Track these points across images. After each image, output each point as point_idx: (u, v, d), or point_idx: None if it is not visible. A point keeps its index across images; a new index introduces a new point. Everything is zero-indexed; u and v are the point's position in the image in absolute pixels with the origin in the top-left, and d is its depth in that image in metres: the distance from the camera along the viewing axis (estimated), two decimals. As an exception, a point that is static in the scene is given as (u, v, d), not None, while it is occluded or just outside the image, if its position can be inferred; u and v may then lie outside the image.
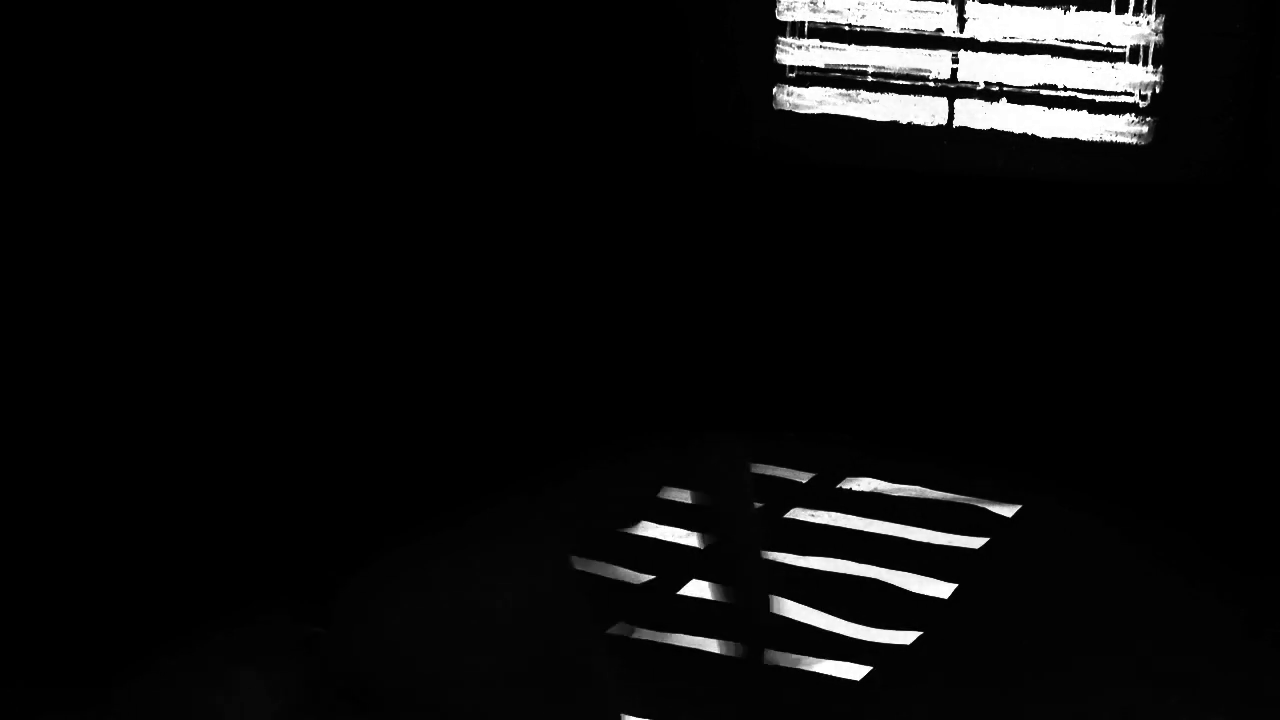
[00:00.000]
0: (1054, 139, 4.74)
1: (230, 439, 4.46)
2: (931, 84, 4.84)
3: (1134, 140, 4.66)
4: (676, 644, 3.65)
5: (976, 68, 4.79)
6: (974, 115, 4.81)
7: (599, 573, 3.99)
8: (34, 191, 4.17)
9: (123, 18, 4.27)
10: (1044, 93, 4.74)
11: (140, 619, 3.56)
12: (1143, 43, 4.61)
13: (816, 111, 4.96)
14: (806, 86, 4.96)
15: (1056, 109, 4.72)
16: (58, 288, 4.24)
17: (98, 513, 4.05)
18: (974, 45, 4.78)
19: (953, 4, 4.79)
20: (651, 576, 3.99)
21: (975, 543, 4.21)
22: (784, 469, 4.67)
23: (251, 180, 4.66)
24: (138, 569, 3.80)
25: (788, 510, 4.40)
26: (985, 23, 4.76)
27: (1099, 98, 4.68)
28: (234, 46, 4.57)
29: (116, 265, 4.37)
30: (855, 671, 3.54)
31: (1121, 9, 4.62)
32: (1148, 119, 4.64)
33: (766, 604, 3.16)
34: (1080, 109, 4.70)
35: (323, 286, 4.87)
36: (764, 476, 4.62)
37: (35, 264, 4.19)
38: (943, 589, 3.95)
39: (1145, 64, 4.62)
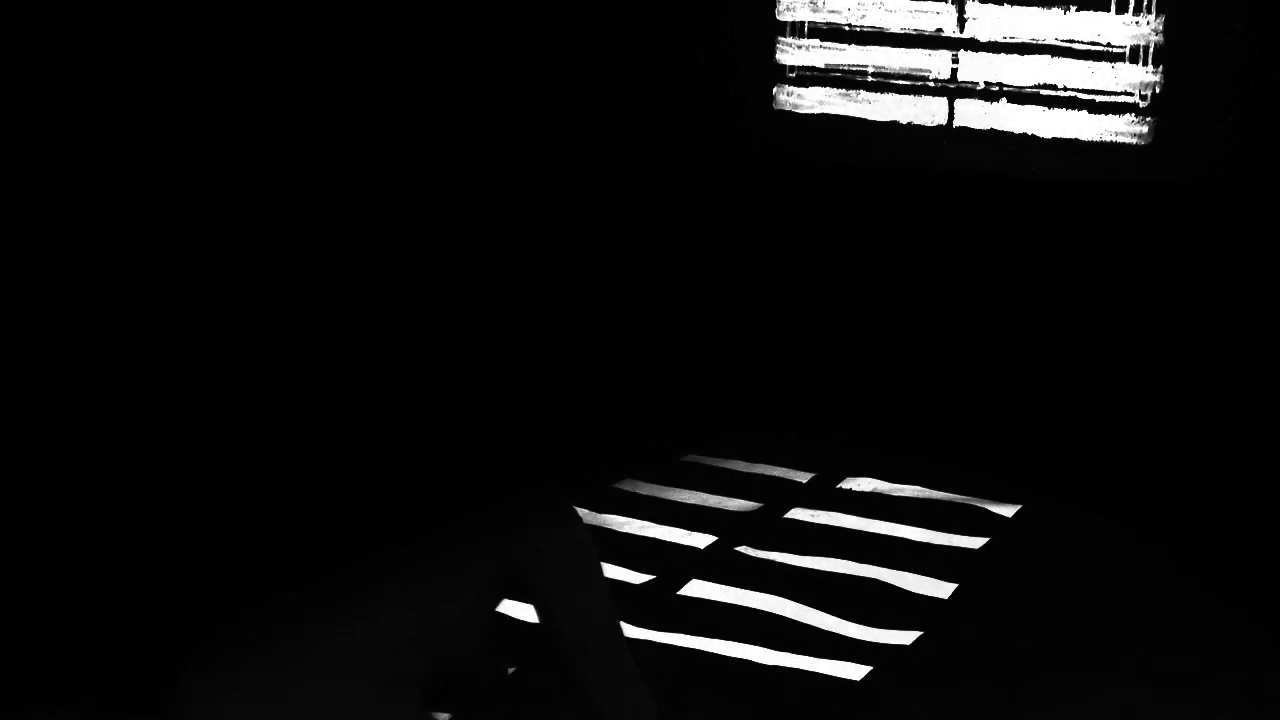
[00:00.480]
0: (1054, 139, 4.74)
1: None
2: (931, 84, 4.84)
3: (1134, 140, 4.66)
4: (671, 644, 3.65)
5: (976, 68, 4.79)
6: (974, 115, 4.81)
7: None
8: (33, 191, 4.17)
9: (122, 17, 4.28)
10: (1044, 93, 4.74)
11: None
12: (1143, 43, 4.61)
13: (816, 111, 4.96)
14: (806, 86, 4.97)
15: (1056, 109, 4.73)
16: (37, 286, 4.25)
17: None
18: (974, 45, 4.78)
19: (953, 4, 4.79)
20: (652, 577, 3.99)
21: (975, 543, 4.21)
22: (784, 469, 4.67)
23: (247, 180, 4.66)
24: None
25: (788, 510, 4.40)
26: (985, 23, 4.77)
27: (1099, 98, 4.68)
28: (234, 46, 4.57)
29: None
30: (855, 671, 3.54)
31: (1121, 9, 4.62)
32: (1148, 119, 4.64)
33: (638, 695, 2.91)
34: (1080, 109, 4.70)
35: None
36: (764, 476, 4.62)
37: (31, 263, 4.19)
38: (943, 589, 3.96)
39: (1145, 64, 4.62)
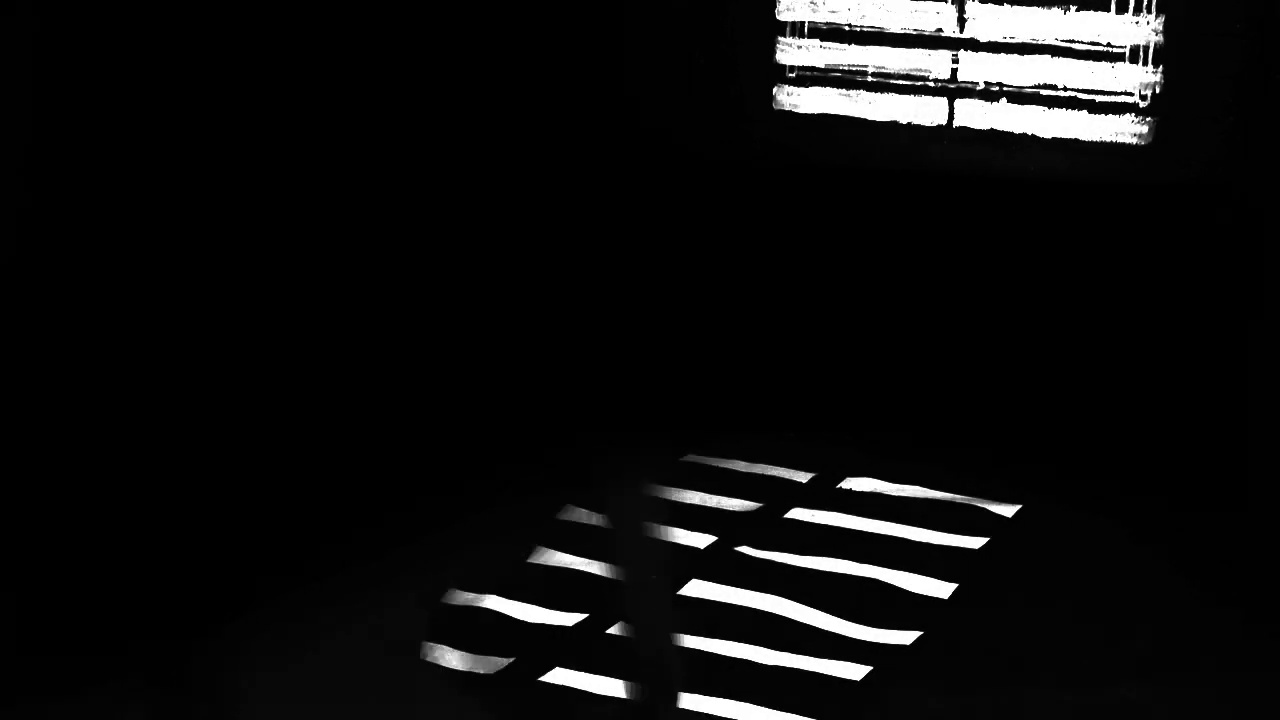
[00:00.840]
0: (1054, 139, 4.74)
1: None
2: (931, 84, 4.84)
3: (1134, 140, 4.66)
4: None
5: (976, 68, 4.79)
6: (974, 115, 4.81)
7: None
8: (34, 191, 4.17)
9: (123, 18, 4.28)
10: (1044, 93, 4.74)
11: None
12: (1143, 43, 4.61)
13: (816, 111, 4.96)
14: (806, 86, 4.97)
15: (1056, 109, 4.72)
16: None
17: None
18: (974, 45, 4.78)
19: (953, 4, 4.79)
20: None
21: (975, 543, 4.21)
22: (784, 469, 4.67)
23: (218, 181, 4.66)
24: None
25: (788, 510, 4.40)
26: (985, 23, 4.77)
27: (1099, 98, 4.68)
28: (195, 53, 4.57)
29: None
30: (855, 671, 3.54)
31: (1121, 9, 4.62)
32: (1148, 119, 4.64)
33: (671, 643, 3.04)
34: (1080, 109, 4.70)
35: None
36: (764, 476, 4.62)
37: (32, 263, 4.19)
38: (943, 589, 3.95)
39: (1145, 64, 4.62)
